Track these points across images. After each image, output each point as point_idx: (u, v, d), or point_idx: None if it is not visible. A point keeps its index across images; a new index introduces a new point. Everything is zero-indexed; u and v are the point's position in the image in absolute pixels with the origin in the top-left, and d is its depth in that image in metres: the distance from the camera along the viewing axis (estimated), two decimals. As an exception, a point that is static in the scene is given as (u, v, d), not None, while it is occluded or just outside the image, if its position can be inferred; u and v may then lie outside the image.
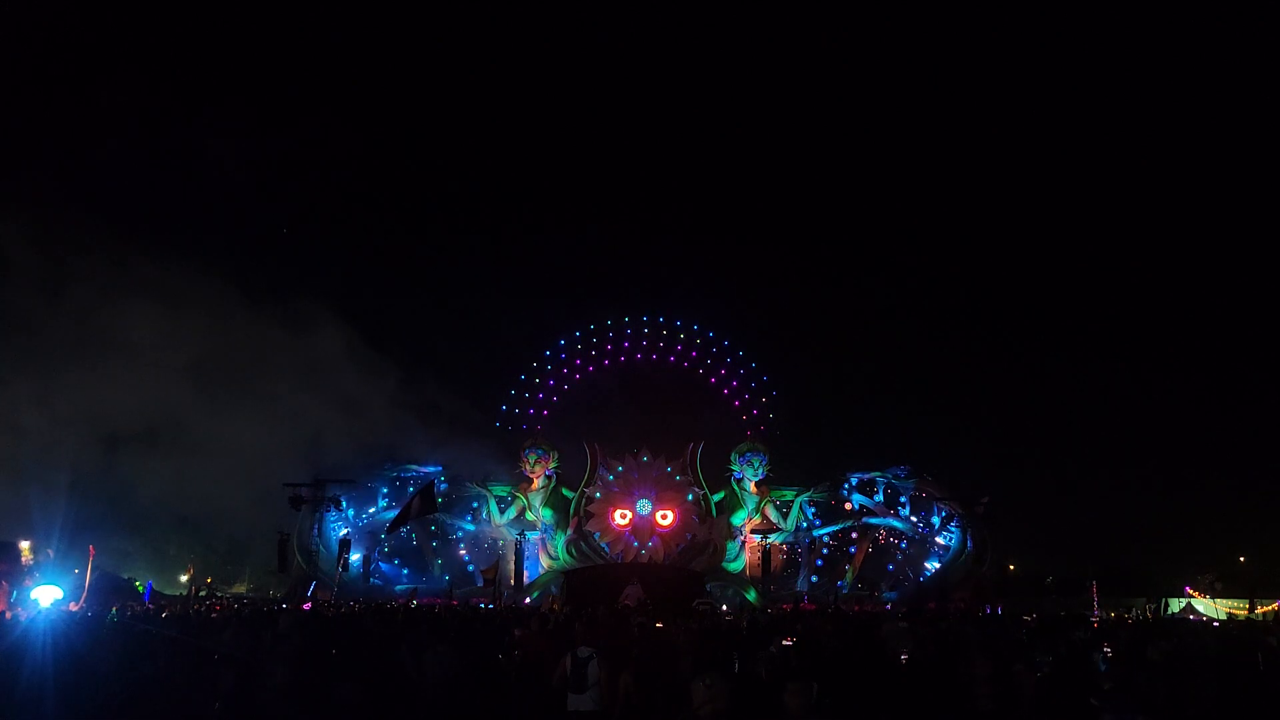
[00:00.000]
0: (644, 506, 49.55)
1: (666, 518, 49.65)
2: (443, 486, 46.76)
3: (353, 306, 79.77)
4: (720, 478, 51.63)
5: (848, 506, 50.57)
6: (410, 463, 50.03)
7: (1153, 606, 40.38)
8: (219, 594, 49.91)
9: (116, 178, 74.13)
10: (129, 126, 77.20)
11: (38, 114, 67.38)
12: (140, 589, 38.96)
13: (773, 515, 50.42)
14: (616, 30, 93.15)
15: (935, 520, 49.36)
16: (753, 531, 49.29)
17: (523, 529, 48.45)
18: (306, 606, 31.02)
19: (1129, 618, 33.79)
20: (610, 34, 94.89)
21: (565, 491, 50.97)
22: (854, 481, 50.30)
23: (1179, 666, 8.95)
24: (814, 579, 50.52)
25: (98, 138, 68.77)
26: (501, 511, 50.02)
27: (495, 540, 50.63)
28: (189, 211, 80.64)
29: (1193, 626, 24.79)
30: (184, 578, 57.00)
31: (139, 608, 26.79)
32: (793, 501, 50.55)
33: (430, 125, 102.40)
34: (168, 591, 47.67)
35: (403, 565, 53.01)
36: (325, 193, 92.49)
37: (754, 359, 62.16)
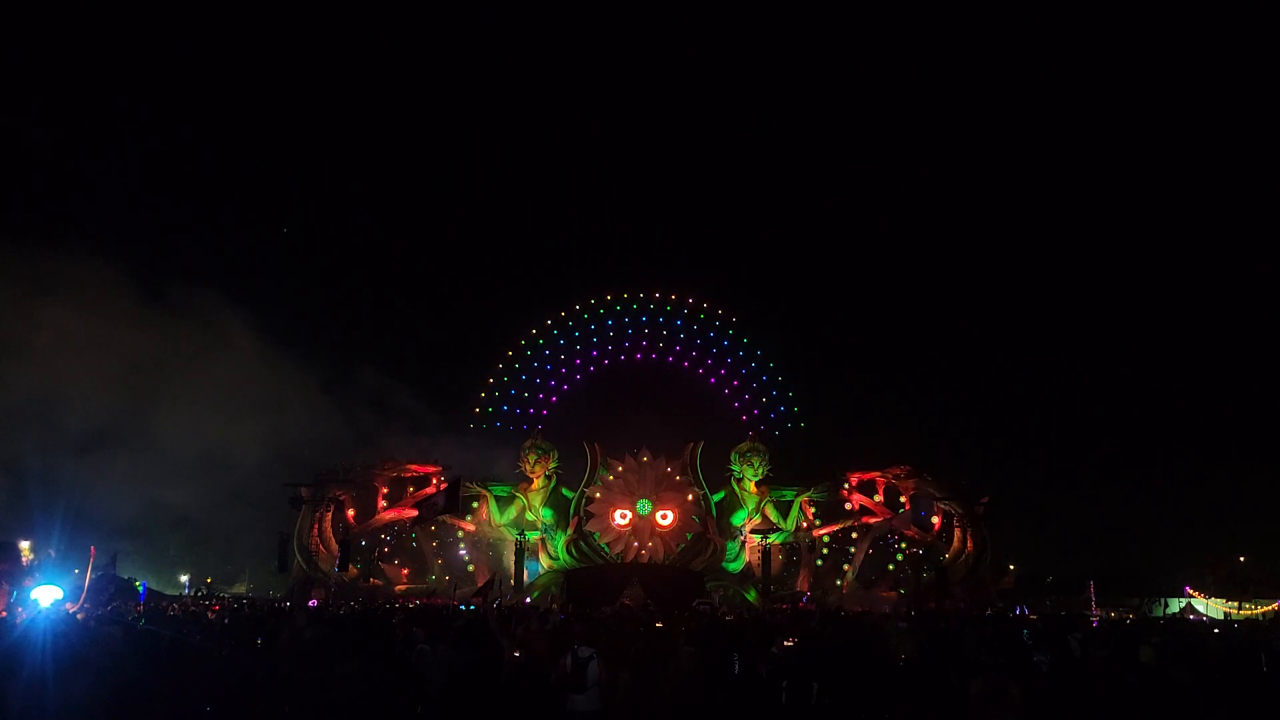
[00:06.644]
0: (644, 506, 49.46)
1: (666, 518, 49.56)
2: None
3: (351, 307, 79.92)
4: (720, 478, 51.56)
5: (848, 506, 50.49)
6: (409, 463, 49.94)
7: (1148, 604, 40.38)
8: (219, 594, 49.94)
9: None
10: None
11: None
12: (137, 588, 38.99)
13: (773, 515, 50.33)
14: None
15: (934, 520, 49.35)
16: (753, 531, 49.22)
17: (523, 529, 48.38)
18: (313, 604, 31.05)
19: (1130, 618, 33.80)
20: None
21: (565, 491, 50.87)
22: (854, 482, 50.20)
23: (1170, 667, 9.03)
24: (814, 579, 50.48)
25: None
26: (501, 511, 49.96)
27: (495, 540, 50.56)
28: (182, 213, 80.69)
29: (1192, 627, 24.79)
30: (183, 577, 57.07)
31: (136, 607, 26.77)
32: (793, 501, 50.47)
33: (422, 114, 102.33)
34: (168, 591, 47.73)
35: (402, 565, 53.00)
36: (318, 190, 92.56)
37: (754, 359, 62.17)
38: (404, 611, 21.66)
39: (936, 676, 9.67)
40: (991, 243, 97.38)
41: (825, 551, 53.36)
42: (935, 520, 49.48)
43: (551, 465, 50.68)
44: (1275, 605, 43.76)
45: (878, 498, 50.23)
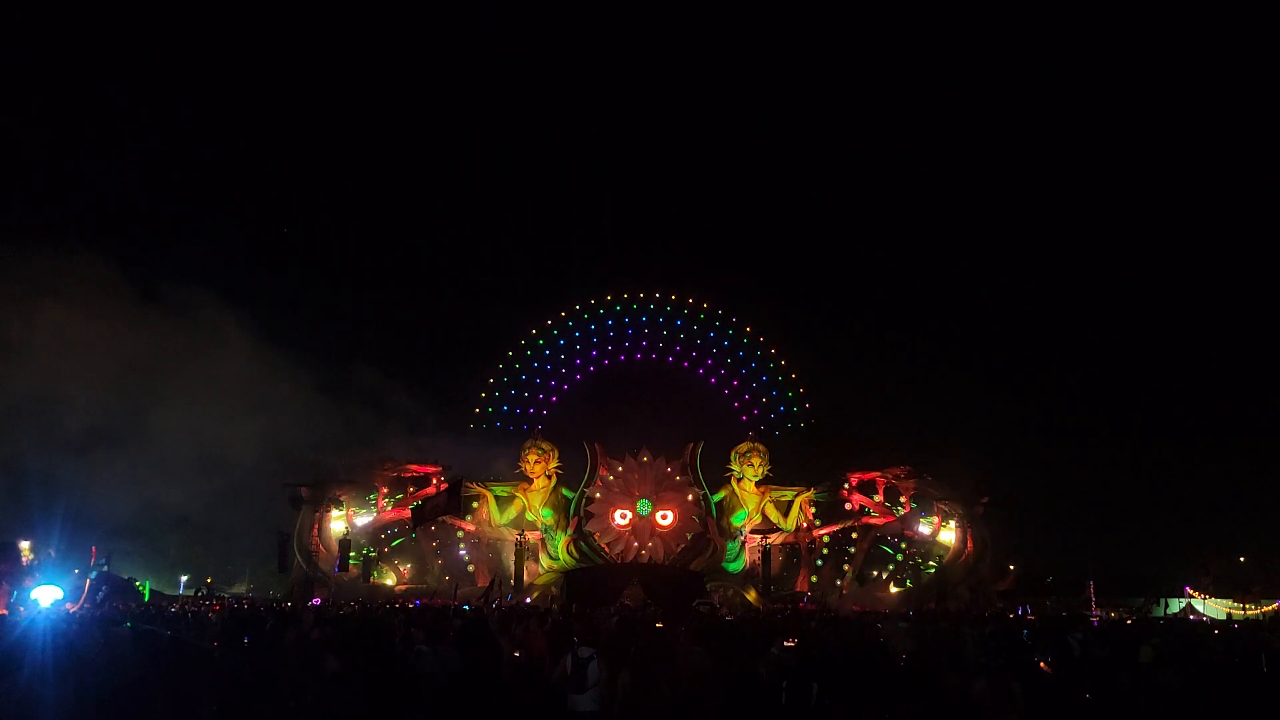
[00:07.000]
0: (644, 506, 49.50)
1: (666, 518, 49.60)
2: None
3: (350, 306, 79.90)
4: (720, 478, 51.56)
5: (848, 506, 50.52)
6: (409, 463, 49.93)
7: (1149, 604, 40.33)
8: (219, 594, 49.92)
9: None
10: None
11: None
12: (143, 589, 39.07)
13: (773, 515, 50.34)
14: None
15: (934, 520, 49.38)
16: (753, 531, 49.24)
17: (523, 529, 48.38)
18: (315, 602, 31.14)
19: (1130, 619, 33.79)
20: None
21: (565, 491, 50.89)
22: (854, 482, 50.21)
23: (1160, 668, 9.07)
24: (814, 579, 50.50)
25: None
26: (501, 511, 49.97)
27: (495, 540, 50.53)
28: (180, 212, 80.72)
29: (1191, 627, 24.81)
30: (183, 578, 57.05)
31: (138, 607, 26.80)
32: (793, 501, 50.48)
33: (421, 112, 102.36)
34: (167, 591, 47.75)
35: (402, 565, 53.00)
36: (317, 189, 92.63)
37: (754, 359, 62.14)
38: (404, 611, 21.69)
39: (936, 676, 9.67)
40: (990, 241, 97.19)
41: (825, 551, 53.34)
42: (935, 520, 49.55)
43: (552, 465, 50.70)
44: (1275, 605, 43.76)
45: (878, 498, 50.24)
